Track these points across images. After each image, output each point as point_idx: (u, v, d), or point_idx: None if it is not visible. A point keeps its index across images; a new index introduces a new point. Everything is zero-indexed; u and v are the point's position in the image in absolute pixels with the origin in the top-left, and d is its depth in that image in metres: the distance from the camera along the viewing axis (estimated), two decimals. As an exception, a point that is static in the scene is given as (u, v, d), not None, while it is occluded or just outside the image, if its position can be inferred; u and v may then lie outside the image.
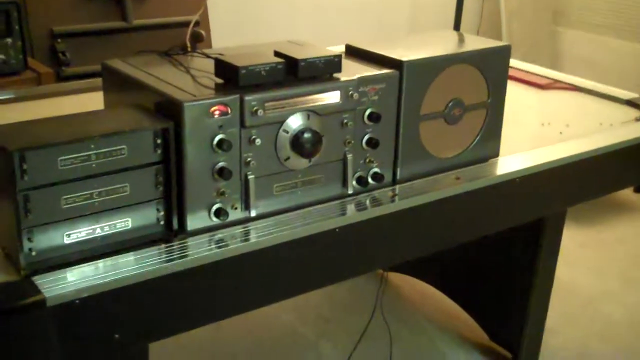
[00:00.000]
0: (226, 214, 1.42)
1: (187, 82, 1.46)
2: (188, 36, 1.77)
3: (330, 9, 4.19)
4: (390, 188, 1.65)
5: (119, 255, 1.32)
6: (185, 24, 3.17)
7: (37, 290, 1.20)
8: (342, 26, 4.19)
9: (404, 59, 1.60)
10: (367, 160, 1.60)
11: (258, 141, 1.42)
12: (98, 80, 1.71)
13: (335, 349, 2.53)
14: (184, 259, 1.33)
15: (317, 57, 1.47)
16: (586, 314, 2.83)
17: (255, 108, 1.39)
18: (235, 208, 1.44)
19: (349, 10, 4.25)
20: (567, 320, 2.75)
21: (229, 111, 1.37)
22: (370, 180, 1.61)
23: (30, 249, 1.24)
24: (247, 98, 1.38)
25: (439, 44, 1.79)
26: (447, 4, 4.26)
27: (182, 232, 1.39)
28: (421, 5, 4.56)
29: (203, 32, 3.36)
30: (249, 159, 1.42)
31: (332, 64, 1.50)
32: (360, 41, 1.74)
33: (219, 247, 1.38)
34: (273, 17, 3.97)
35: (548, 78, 2.58)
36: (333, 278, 1.68)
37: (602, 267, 3.18)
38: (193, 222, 1.40)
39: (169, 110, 1.35)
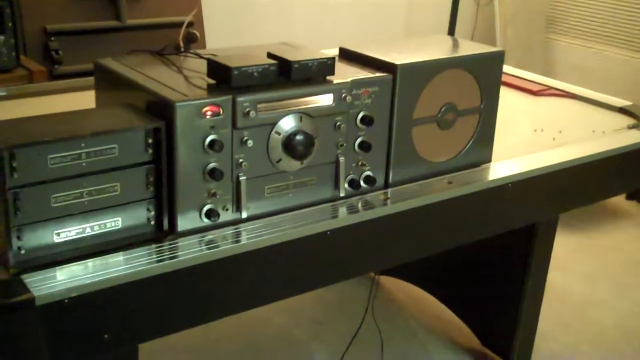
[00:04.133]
0: (217, 215, 1.41)
1: (180, 82, 1.45)
2: (182, 36, 1.77)
3: (325, 13, 4.19)
4: (382, 191, 1.65)
5: (109, 255, 1.31)
6: (179, 25, 3.17)
7: (26, 289, 1.19)
8: (337, 30, 4.19)
9: (398, 62, 1.60)
10: (360, 163, 1.60)
11: (250, 142, 1.41)
12: (90, 79, 1.70)
13: (327, 352, 2.53)
14: (174, 260, 1.32)
15: (311, 60, 1.47)
16: (578, 319, 2.84)
17: (247, 109, 1.38)
18: (227, 209, 1.44)
19: (343, 14, 4.25)
20: (559, 326, 2.75)
21: (221, 112, 1.37)
22: (362, 183, 1.61)
23: (19, 248, 1.23)
24: (239, 99, 1.38)
25: (433, 48, 1.79)
26: (442, 9, 4.27)
27: (172, 232, 1.39)
28: (416, 10, 4.57)
29: (197, 33, 3.35)
30: (240, 160, 1.42)
31: (325, 67, 1.49)
32: (354, 44, 1.74)
33: (210, 249, 1.37)
34: (267, 19, 3.97)
35: (541, 84, 2.59)
36: (325, 281, 1.68)
37: (593, 273, 3.19)
38: (184, 222, 1.39)
39: (160, 110, 1.35)
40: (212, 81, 1.44)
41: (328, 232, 1.51)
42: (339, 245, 1.55)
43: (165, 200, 1.36)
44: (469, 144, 1.78)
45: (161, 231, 1.38)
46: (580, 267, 3.23)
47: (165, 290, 1.33)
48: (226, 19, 3.79)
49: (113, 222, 1.33)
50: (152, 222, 1.37)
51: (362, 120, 1.56)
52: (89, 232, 1.30)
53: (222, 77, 1.40)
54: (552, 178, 1.89)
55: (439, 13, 4.38)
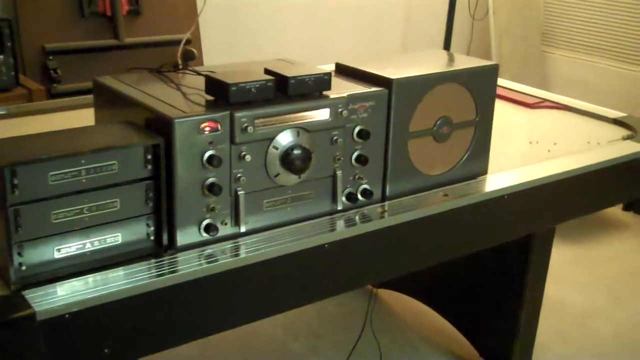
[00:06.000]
0: (216, 229, 1.43)
1: (178, 98, 1.47)
2: (179, 54, 1.78)
3: (320, 29, 4.22)
4: (380, 204, 1.66)
5: (109, 270, 1.32)
6: (177, 42, 3.17)
7: (27, 305, 1.20)
8: (333, 45, 4.22)
9: (393, 77, 1.61)
10: (357, 176, 1.61)
11: (248, 157, 1.43)
12: (89, 97, 1.72)
13: (326, 366, 2.53)
14: (173, 274, 1.33)
15: (307, 75, 1.49)
16: (576, 330, 2.84)
17: (245, 125, 1.40)
18: (225, 224, 1.45)
19: (339, 30, 4.28)
20: (557, 337, 2.76)
21: (219, 127, 1.38)
22: (359, 196, 1.62)
23: (20, 264, 1.24)
24: (237, 115, 1.39)
25: (428, 62, 1.81)
26: (438, 24, 4.30)
27: (172, 247, 1.40)
28: (412, 25, 4.60)
29: (194, 50, 3.38)
30: (239, 175, 1.43)
31: (321, 82, 1.51)
32: (350, 60, 1.76)
33: (209, 263, 1.38)
34: (264, 35, 3.99)
35: (536, 97, 2.60)
36: (323, 294, 1.69)
37: (591, 284, 3.20)
38: (183, 237, 1.40)
39: (159, 127, 1.36)
40: (210, 97, 1.45)
41: (326, 245, 1.52)
42: (337, 258, 1.56)
43: (164, 216, 1.37)
44: (465, 156, 1.80)
45: (161, 246, 1.39)
46: (577, 278, 3.24)
47: (165, 305, 1.34)
48: (223, 36, 3.81)
49: (113, 238, 1.34)
50: (152, 237, 1.38)
51: (359, 134, 1.57)
52: (89, 247, 1.31)
53: (220, 93, 1.42)
54: (548, 189, 1.90)
55: (434, 27, 4.41)
